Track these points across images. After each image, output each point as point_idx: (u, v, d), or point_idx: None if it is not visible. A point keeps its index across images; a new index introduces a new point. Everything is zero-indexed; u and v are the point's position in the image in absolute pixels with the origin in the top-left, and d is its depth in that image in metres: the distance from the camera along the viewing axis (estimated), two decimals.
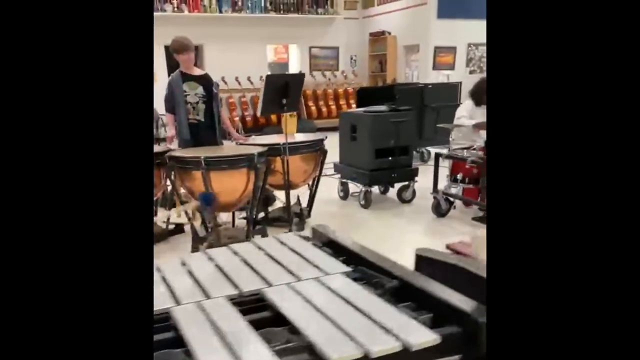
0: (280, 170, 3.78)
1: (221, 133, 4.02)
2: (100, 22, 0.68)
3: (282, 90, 3.55)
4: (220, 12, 9.58)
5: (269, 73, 11.40)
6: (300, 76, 3.93)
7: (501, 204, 0.73)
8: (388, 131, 4.56)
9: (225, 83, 9.84)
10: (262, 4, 9.91)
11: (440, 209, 4.34)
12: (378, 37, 13.38)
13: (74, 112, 0.68)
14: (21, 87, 0.65)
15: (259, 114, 4.04)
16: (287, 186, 3.91)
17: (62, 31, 0.67)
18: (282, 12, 10.12)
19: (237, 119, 9.96)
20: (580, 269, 0.68)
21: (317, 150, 4.10)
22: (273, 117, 10.34)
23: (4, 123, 0.64)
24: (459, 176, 4.27)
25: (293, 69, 11.02)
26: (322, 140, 4.15)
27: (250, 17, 9.85)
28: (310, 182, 4.33)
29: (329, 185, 5.25)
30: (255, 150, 3.46)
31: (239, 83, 9.96)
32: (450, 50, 12.00)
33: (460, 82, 10.55)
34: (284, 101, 3.57)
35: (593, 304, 0.67)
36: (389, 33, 13.03)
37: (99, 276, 0.67)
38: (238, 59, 9.89)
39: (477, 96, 4.61)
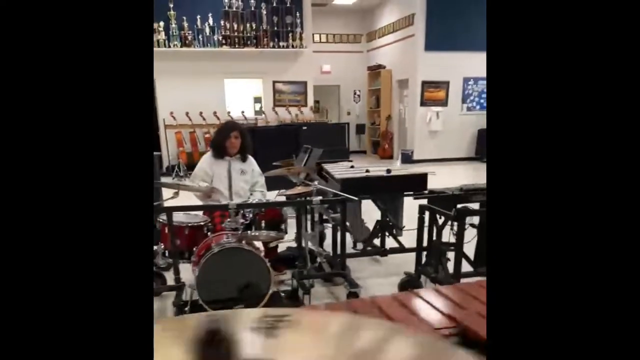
0: None
1: None
2: (96, 55, 0.68)
3: None
4: (169, 46, 9.39)
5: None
6: None
7: (500, 214, 0.73)
8: None
9: (174, 118, 9.61)
10: (215, 39, 9.57)
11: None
12: (374, 71, 12.40)
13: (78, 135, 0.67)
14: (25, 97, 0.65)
15: None
16: None
17: (58, 62, 0.66)
18: (237, 46, 9.69)
19: (184, 155, 9.62)
20: (579, 273, 0.68)
21: None
22: None
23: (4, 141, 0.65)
24: (160, 247, 3.36)
25: (264, 103, 10.51)
26: None
27: (205, 52, 9.55)
28: None
29: None
30: None
31: (190, 119, 9.65)
32: (442, 85, 10.67)
33: (347, 123, 9.22)
34: None
35: (594, 309, 0.67)
36: (384, 67, 12.00)
37: (100, 278, 0.66)
38: (193, 94, 9.62)
39: (216, 145, 3.70)
